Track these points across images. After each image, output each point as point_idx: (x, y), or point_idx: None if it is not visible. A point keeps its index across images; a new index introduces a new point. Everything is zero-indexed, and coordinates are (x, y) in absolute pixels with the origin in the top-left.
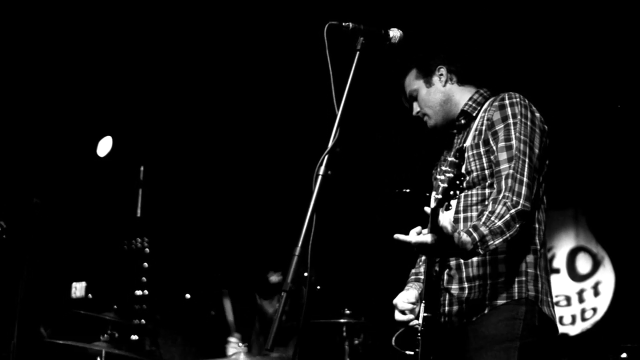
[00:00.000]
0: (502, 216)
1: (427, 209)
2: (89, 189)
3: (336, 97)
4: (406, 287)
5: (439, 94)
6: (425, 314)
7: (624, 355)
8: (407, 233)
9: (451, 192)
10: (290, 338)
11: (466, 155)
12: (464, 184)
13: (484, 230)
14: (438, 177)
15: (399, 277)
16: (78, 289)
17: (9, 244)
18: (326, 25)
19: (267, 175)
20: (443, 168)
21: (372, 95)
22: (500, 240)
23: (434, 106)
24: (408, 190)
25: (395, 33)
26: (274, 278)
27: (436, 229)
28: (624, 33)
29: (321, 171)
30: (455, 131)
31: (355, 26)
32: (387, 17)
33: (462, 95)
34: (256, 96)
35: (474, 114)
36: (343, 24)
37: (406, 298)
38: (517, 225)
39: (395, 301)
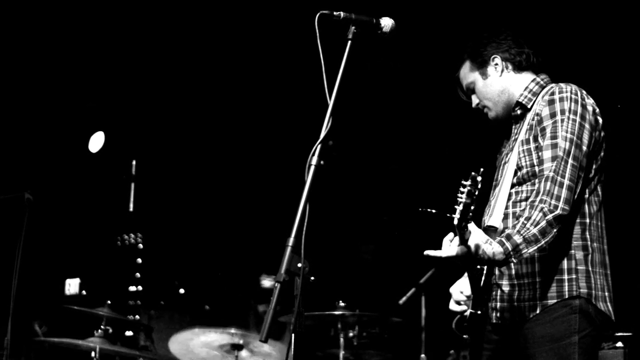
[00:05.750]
0: (538, 223)
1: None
2: (81, 185)
3: (328, 87)
4: (465, 274)
5: (495, 85)
6: (472, 311)
7: (619, 344)
8: (431, 242)
9: (467, 217)
10: (284, 332)
11: (518, 150)
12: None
13: (517, 239)
14: (458, 195)
15: (393, 268)
16: (72, 285)
17: (0, 240)
18: (317, 15)
19: (259, 167)
20: (461, 188)
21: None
22: (535, 248)
23: (492, 98)
24: (433, 211)
25: (386, 22)
26: (267, 282)
27: (464, 242)
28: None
29: (314, 161)
30: (513, 121)
31: (346, 15)
32: (379, 6)
33: (519, 84)
34: (247, 88)
35: (529, 105)
36: (334, 13)
37: (462, 288)
38: (554, 231)
39: (451, 290)
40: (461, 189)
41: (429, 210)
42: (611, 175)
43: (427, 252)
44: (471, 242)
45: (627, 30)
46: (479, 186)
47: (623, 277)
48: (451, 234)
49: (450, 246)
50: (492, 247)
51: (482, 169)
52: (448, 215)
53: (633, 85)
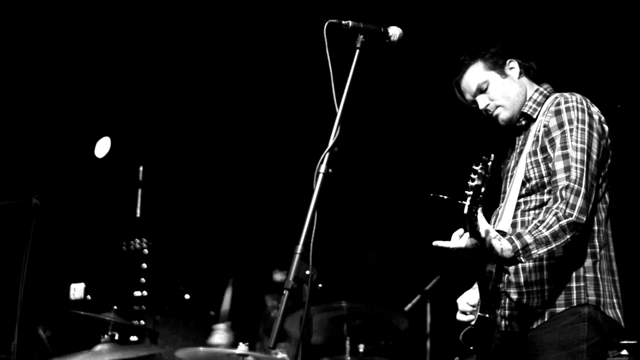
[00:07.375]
0: (551, 226)
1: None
2: (88, 189)
3: (336, 95)
4: (474, 285)
5: (515, 85)
6: (480, 314)
7: (624, 352)
8: (441, 239)
9: (478, 199)
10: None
11: (525, 162)
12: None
13: (528, 238)
14: (469, 183)
15: (399, 275)
16: (77, 290)
17: (7, 245)
18: (326, 24)
19: (267, 174)
20: (472, 175)
21: (373, 92)
22: (545, 249)
23: (511, 96)
24: (445, 197)
25: (394, 31)
26: (278, 277)
27: (475, 233)
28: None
29: (322, 169)
30: (516, 132)
31: (354, 24)
32: (386, 15)
33: (529, 91)
34: (256, 95)
35: (535, 116)
36: (342, 22)
37: (468, 299)
38: (568, 237)
39: (458, 300)
40: (472, 175)
41: (440, 196)
42: (615, 179)
43: (435, 243)
44: (482, 230)
45: (626, 31)
46: (490, 170)
47: (627, 284)
48: (461, 230)
49: (460, 239)
50: (500, 243)
51: (492, 154)
52: (460, 202)
53: (633, 86)
